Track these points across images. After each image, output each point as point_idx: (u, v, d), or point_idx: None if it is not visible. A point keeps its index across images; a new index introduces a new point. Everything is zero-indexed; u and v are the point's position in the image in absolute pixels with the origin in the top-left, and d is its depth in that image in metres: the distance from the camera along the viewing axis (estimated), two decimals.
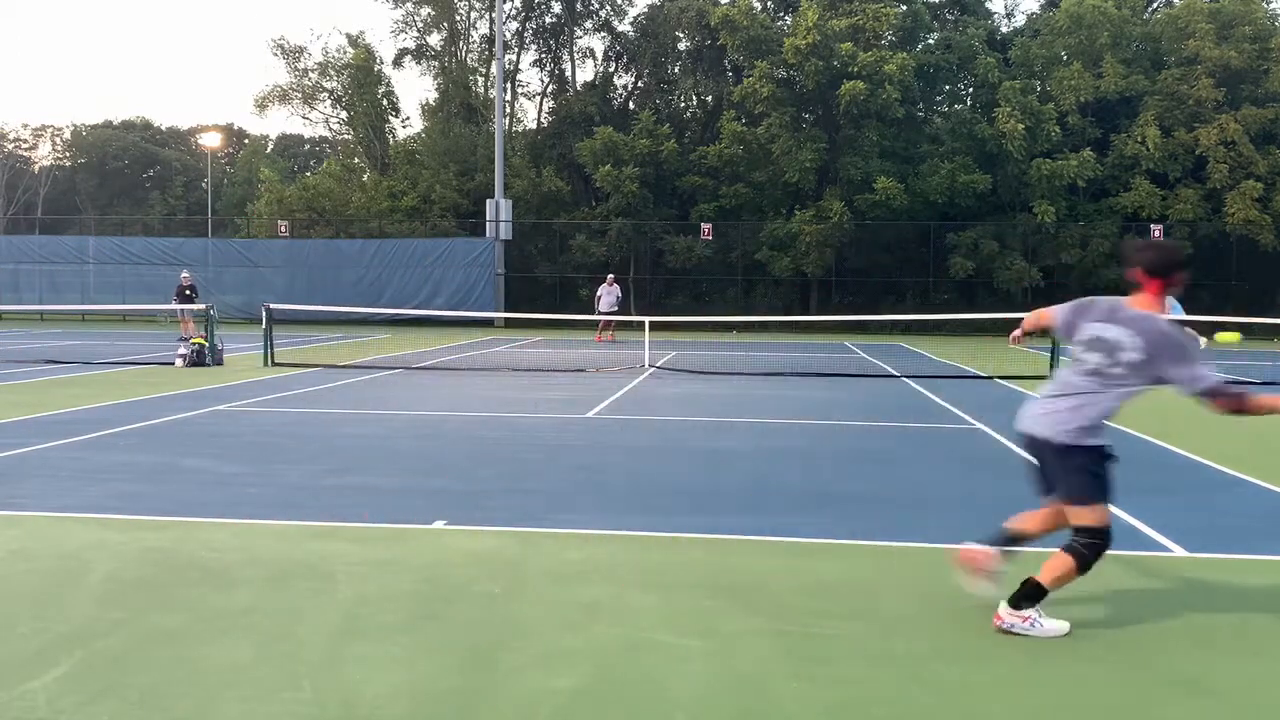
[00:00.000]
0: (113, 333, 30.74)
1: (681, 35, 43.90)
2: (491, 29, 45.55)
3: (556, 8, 47.28)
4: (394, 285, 37.62)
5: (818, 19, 36.43)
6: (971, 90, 40.73)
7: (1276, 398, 4.59)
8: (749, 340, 30.66)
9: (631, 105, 45.62)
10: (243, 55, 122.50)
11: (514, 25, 47.16)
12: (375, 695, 3.97)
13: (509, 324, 36.01)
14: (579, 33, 48.17)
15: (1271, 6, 39.66)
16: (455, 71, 47.60)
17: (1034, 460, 4.89)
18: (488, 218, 38.46)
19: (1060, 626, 4.73)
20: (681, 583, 5.48)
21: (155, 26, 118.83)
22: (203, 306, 20.62)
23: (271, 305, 20.37)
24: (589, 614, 4.96)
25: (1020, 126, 35.59)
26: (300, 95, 48.74)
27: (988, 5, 43.80)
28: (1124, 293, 4.90)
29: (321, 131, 61.18)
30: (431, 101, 48.30)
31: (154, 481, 8.06)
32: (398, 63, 49.44)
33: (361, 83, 46.57)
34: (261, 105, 48.95)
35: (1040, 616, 4.73)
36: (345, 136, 52.00)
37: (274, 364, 18.46)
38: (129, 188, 70.10)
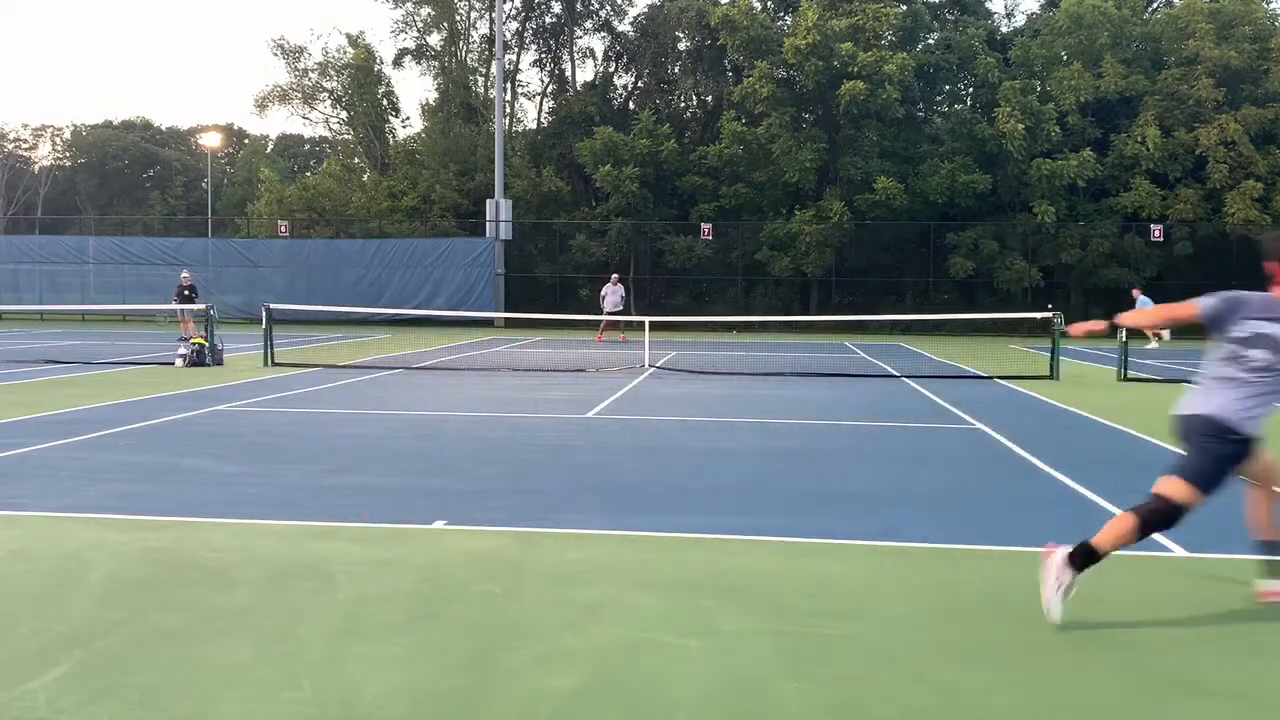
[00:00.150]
0: (113, 333, 30.75)
1: (681, 35, 43.91)
2: (491, 29, 45.58)
3: (556, 8, 47.30)
4: (394, 285, 37.63)
5: (818, 19, 36.44)
6: (971, 90, 40.74)
7: None
8: (749, 340, 30.66)
9: (631, 105, 45.63)
10: (243, 55, 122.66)
11: (514, 25, 47.20)
12: (375, 695, 3.97)
13: (509, 324, 36.01)
14: (579, 33, 48.24)
15: (1271, 6, 39.70)
16: (455, 71, 47.61)
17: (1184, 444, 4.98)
18: (488, 218, 38.47)
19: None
20: (681, 583, 5.48)
21: (155, 26, 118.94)
22: (203, 306, 20.62)
23: (271, 305, 20.36)
24: (589, 614, 4.96)
25: (1020, 126, 35.60)
26: (300, 95, 48.80)
27: (988, 5, 43.85)
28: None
29: (321, 131, 61.26)
30: (431, 101, 48.35)
31: (154, 481, 8.06)
32: (398, 63, 49.49)
33: (361, 83, 46.58)
34: (261, 105, 49.02)
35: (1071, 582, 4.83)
36: (345, 136, 52.04)
37: (274, 364, 18.46)
38: (129, 188, 70.10)
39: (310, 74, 48.35)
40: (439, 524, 6.74)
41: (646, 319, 22.33)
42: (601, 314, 29.14)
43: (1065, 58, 37.86)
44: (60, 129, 73.57)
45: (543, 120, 48.63)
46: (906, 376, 17.89)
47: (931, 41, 40.45)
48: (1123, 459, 9.85)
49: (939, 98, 42.79)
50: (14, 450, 9.28)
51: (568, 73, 48.34)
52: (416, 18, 48.20)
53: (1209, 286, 5.45)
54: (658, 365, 19.28)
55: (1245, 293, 4.96)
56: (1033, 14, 44.34)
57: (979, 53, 38.52)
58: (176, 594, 5.21)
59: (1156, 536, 6.52)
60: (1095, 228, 36.26)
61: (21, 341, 25.32)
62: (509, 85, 47.15)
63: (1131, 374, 17.84)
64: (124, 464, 8.76)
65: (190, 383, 15.35)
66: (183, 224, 58.64)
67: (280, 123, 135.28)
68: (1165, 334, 26.18)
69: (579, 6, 47.08)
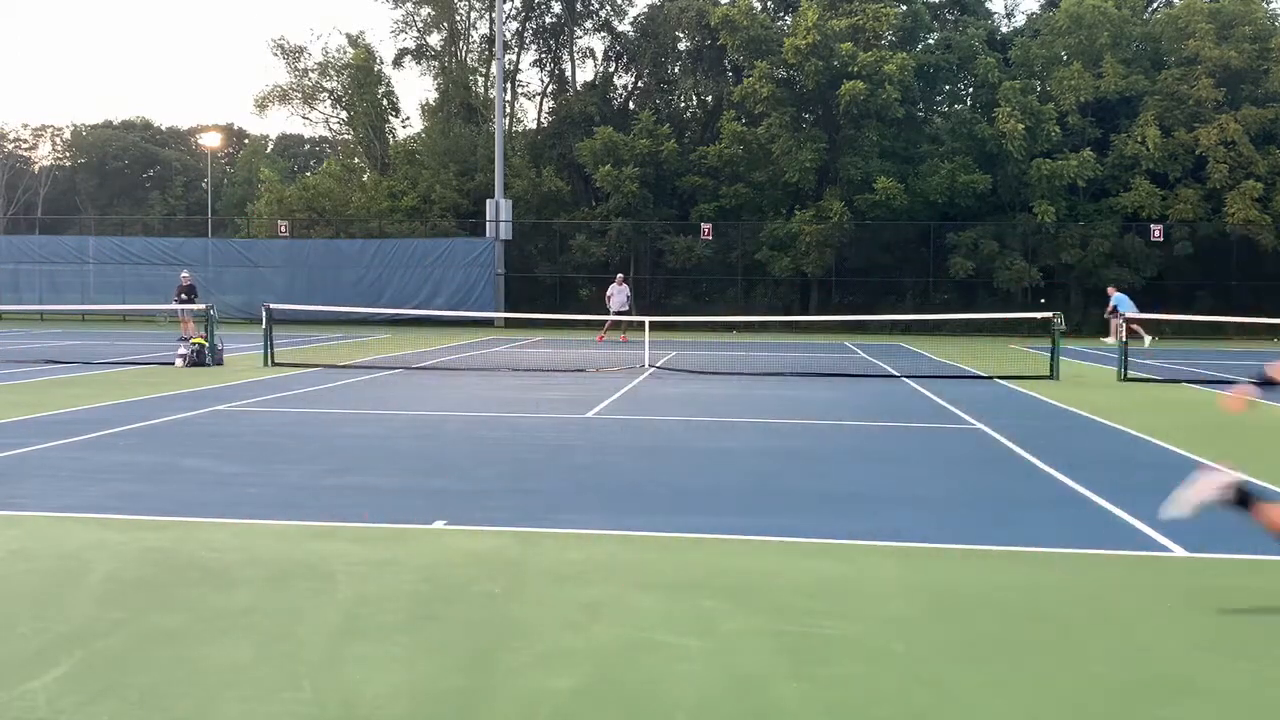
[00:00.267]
0: (113, 333, 30.74)
1: (681, 35, 43.89)
2: (491, 29, 45.56)
3: (556, 8, 47.28)
4: (394, 285, 37.63)
5: (818, 19, 36.43)
6: (971, 90, 40.72)
7: None
8: (749, 340, 30.66)
9: (631, 105, 45.61)
10: (243, 55, 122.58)
11: (514, 25, 47.17)
12: (375, 695, 3.97)
13: (509, 324, 36.00)
14: (579, 33, 48.20)
15: (1271, 6, 39.71)
16: (455, 71, 47.60)
17: None
18: (488, 218, 38.47)
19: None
20: (681, 583, 5.48)
21: (155, 26, 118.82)
22: (203, 306, 20.62)
23: (271, 305, 20.35)
24: (589, 614, 4.96)
25: (1020, 126, 35.59)
26: (300, 95, 48.76)
27: (988, 5, 43.82)
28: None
29: (321, 131, 61.16)
30: (431, 101, 48.32)
31: (154, 481, 8.06)
32: (398, 63, 49.44)
33: (361, 83, 46.56)
34: (261, 105, 48.98)
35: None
36: (345, 136, 52.01)
37: (274, 364, 18.45)
38: (129, 188, 70.09)
39: (310, 74, 48.34)
40: (439, 524, 6.74)
41: (646, 319, 22.34)
42: (607, 314, 29.06)
43: (1065, 58, 37.84)
44: (60, 129, 73.63)
45: (543, 120, 48.65)
46: (906, 376, 17.89)
47: (931, 41, 40.43)
48: (1123, 459, 9.85)
49: (939, 98, 42.77)
50: (14, 450, 9.28)
51: (568, 73, 48.36)
52: (416, 18, 48.21)
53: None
54: (658, 365, 19.28)
55: None
56: (1033, 14, 44.34)
57: (979, 53, 38.50)
58: (176, 594, 5.21)
59: (1157, 537, 6.54)
60: (1095, 228, 36.24)
61: (21, 341, 25.32)
62: (509, 85, 47.15)
63: (1131, 374, 17.84)
64: (124, 464, 8.76)
65: (190, 383, 15.35)
66: (183, 224, 58.64)
67: (280, 123, 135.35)
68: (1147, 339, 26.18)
69: (579, 6, 47.06)
